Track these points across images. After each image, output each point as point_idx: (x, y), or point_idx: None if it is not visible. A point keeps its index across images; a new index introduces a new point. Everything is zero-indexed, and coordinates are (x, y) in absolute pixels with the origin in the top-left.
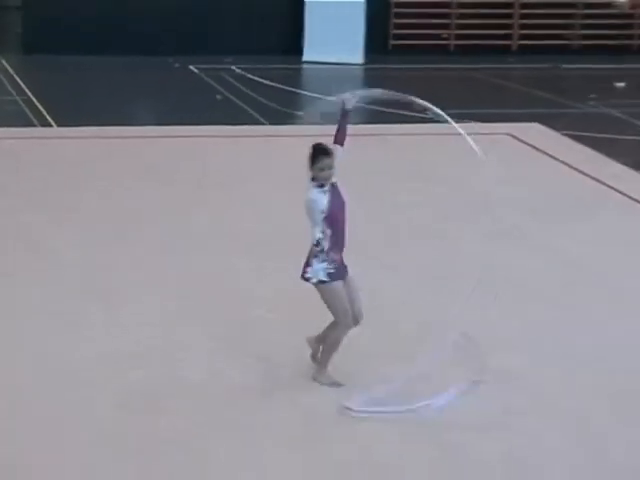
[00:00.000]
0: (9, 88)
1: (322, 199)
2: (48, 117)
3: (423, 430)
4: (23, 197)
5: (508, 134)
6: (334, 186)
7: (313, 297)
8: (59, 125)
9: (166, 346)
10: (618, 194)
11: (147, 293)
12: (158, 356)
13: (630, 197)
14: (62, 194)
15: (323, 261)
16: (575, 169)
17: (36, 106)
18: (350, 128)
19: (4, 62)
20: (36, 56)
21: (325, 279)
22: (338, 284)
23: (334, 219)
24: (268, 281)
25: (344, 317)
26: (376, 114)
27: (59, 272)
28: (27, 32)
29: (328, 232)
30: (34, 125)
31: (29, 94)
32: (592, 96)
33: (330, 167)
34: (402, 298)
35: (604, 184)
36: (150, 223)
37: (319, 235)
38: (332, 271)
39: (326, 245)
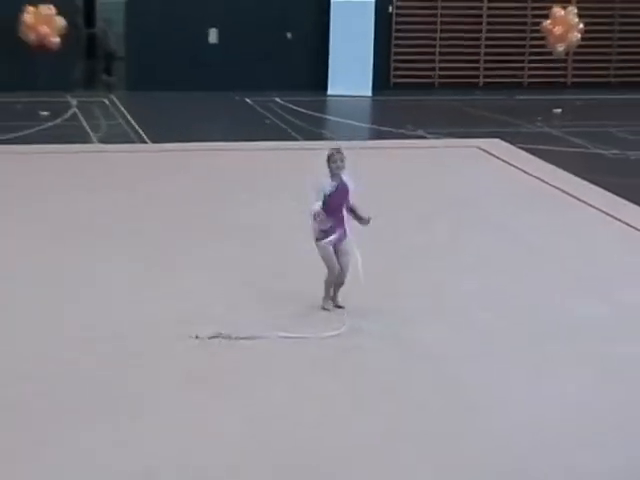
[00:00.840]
0: (117, 115)
1: (328, 185)
2: (144, 136)
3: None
4: (129, 190)
5: (477, 147)
6: (342, 181)
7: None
8: (152, 142)
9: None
10: (558, 191)
11: None
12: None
13: (567, 193)
14: (157, 188)
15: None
16: (527, 173)
17: (135, 128)
18: None
19: (113, 97)
20: (136, 92)
21: (317, 237)
22: (325, 243)
23: (333, 205)
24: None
25: (330, 271)
26: None
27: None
28: (129, 75)
29: (324, 213)
30: (134, 142)
31: (130, 120)
32: (538, 119)
33: (340, 160)
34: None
35: (548, 184)
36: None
37: (316, 208)
38: (320, 235)
39: (323, 216)
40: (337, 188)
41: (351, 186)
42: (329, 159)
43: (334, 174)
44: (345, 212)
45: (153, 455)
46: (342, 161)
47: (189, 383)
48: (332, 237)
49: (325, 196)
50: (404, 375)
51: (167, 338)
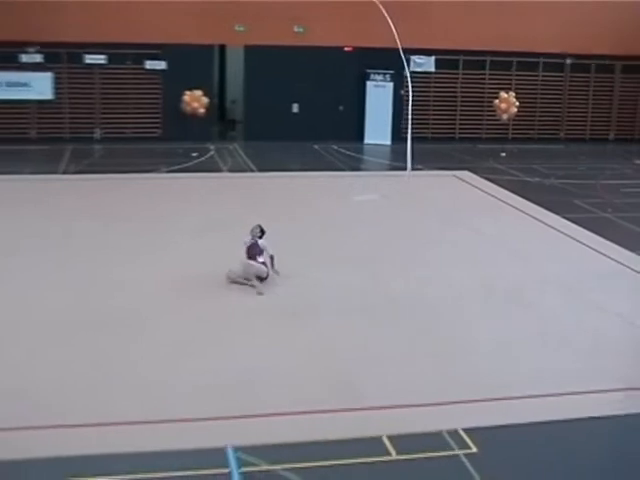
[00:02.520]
0: (237, 155)
1: (247, 241)
2: (253, 167)
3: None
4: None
5: (453, 175)
6: (256, 242)
7: None
8: (258, 170)
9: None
10: (501, 202)
11: None
12: None
13: (507, 203)
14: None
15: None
16: (483, 190)
17: (248, 163)
18: None
19: (236, 145)
20: (249, 142)
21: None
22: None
23: (250, 252)
24: None
25: (259, 272)
26: None
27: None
28: (245, 131)
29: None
30: (247, 170)
31: (245, 158)
32: (490, 159)
33: (259, 230)
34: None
35: (496, 197)
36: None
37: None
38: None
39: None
40: (251, 244)
41: (263, 245)
42: (251, 230)
43: (252, 237)
44: (262, 258)
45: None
46: (259, 231)
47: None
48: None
49: (245, 245)
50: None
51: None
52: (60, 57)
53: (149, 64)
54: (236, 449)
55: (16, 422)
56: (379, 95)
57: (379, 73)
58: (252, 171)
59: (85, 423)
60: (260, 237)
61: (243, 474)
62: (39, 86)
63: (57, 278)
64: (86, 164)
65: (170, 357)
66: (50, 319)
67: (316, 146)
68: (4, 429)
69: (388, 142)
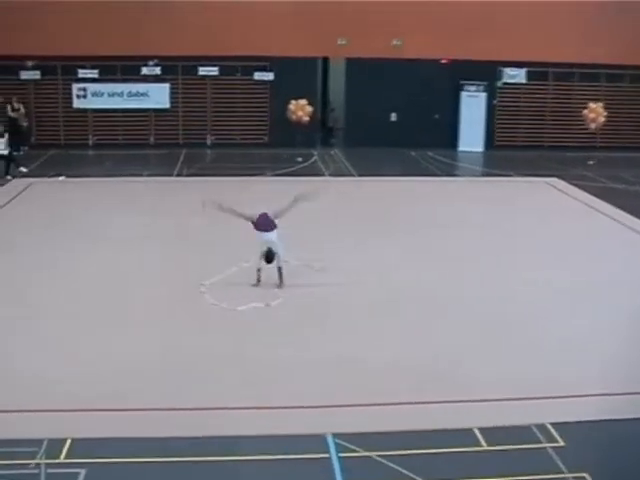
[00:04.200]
0: (338, 160)
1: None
2: (354, 172)
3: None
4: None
5: (544, 182)
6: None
7: None
8: (358, 175)
9: None
10: (598, 212)
11: None
12: None
13: (593, 207)
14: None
15: None
16: (571, 196)
17: (349, 168)
18: None
19: (337, 151)
20: (349, 148)
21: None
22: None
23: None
24: None
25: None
26: None
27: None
28: (346, 138)
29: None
30: (348, 175)
31: (346, 163)
32: (578, 167)
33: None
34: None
35: (590, 207)
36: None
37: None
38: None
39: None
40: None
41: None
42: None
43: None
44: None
45: None
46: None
47: None
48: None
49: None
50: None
51: None
52: (176, 69)
53: (258, 75)
54: (336, 436)
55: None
56: (472, 105)
57: (473, 84)
58: (352, 175)
59: (187, 407)
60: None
61: (342, 459)
62: (157, 96)
63: (172, 270)
64: (198, 167)
65: (268, 344)
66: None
67: (412, 153)
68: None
69: (481, 149)
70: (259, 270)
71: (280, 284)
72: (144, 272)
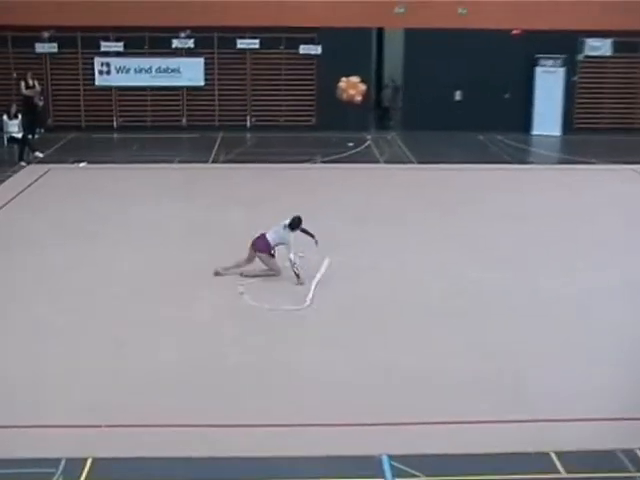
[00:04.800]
0: (395, 145)
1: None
2: (412, 158)
3: None
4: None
5: (632, 170)
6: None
7: None
8: (418, 162)
9: None
10: None
11: None
12: None
13: None
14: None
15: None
16: None
17: (407, 154)
18: None
19: (393, 134)
20: (407, 131)
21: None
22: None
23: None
24: None
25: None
26: None
27: None
28: (403, 119)
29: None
30: (406, 162)
31: (404, 148)
32: None
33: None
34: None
35: None
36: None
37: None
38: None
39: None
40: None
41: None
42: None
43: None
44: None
45: None
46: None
47: None
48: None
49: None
50: None
51: None
52: (212, 42)
53: (303, 49)
54: (392, 458)
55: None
56: (549, 82)
57: (549, 58)
58: (411, 163)
59: (223, 424)
60: (292, 228)
61: None
62: (190, 72)
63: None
64: (237, 153)
65: (315, 353)
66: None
67: (480, 136)
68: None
69: (558, 133)
70: (294, 265)
71: (298, 281)
72: (178, 270)
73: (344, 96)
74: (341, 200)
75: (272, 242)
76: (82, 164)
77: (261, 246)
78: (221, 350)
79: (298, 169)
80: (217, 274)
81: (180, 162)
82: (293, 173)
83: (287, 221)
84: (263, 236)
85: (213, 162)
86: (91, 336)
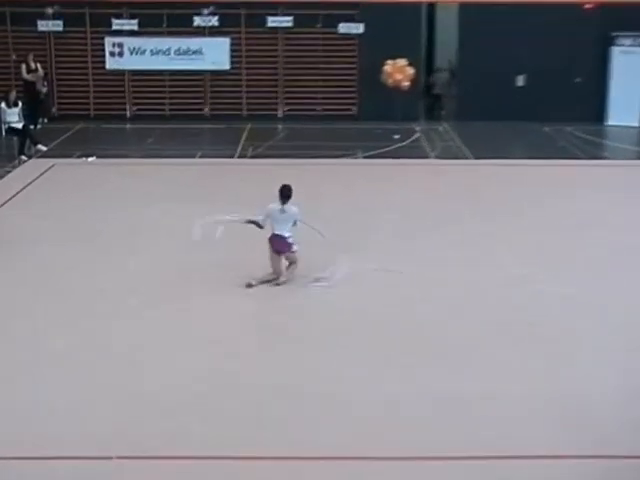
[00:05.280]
0: (448, 138)
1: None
2: (468, 153)
3: None
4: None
5: None
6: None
7: None
8: (475, 157)
9: None
10: None
11: None
12: None
13: None
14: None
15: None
16: None
17: (462, 148)
18: None
19: (446, 125)
20: (462, 122)
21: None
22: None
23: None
24: None
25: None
26: None
27: None
28: (458, 108)
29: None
30: (461, 157)
31: (458, 141)
32: None
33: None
34: None
35: None
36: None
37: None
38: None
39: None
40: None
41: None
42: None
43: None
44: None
45: None
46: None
47: None
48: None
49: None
50: None
51: None
52: (238, 19)
53: (343, 27)
54: None
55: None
56: (628, 64)
57: (628, 36)
58: (467, 158)
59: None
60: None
61: None
62: (214, 54)
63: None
64: (266, 147)
65: (364, 379)
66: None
67: (546, 128)
68: None
69: (637, 123)
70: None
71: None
72: (201, 281)
73: (390, 81)
74: (385, 202)
75: (288, 236)
76: (90, 159)
77: (283, 246)
78: (245, 368)
79: (336, 165)
80: (249, 286)
81: (202, 157)
82: (330, 170)
83: (277, 204)
84: (276, 236)
85: (239, 157)
86: (98, 354)
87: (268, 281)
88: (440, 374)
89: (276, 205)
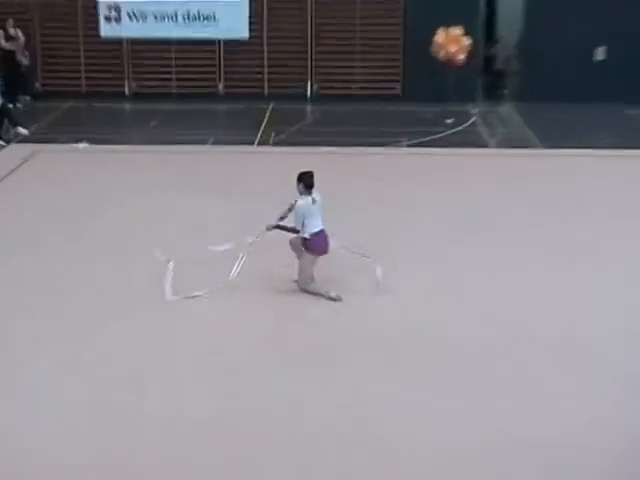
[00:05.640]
0: (511, 123)
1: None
2: (537, 141)
3: None
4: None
5: None
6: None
7: None
8: (544, 147)
9: None
10: None
11: None
12: None
13: None
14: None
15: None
16: None
17: (528, 135)
18: None
19: (509, 107)
20: (528, 103)
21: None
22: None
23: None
24: None
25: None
26: None
27: None
28: (522, 87)
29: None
30: (527, 147)
31: (525, 129)
32: None
33: (297, 187)
34: None
35: None
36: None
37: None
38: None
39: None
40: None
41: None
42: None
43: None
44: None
45: None
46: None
47: None
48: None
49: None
50: None
51: None
52: None
53: None
54: None
55: None
56: None
57: None
58: (534, 147)
59: None
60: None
61: None
62: (229, 20)
63: None
64: (292, 132)
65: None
66: None
67: (630, 111)
68: None
69: None
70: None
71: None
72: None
73: (442, 54)
74: (436, 200)
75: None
76: (81, 145)
77: (327, 244)
78: (266, 396)
79: (376, 156)
80: (304, 290)
81: (215, 144)
82: (370, 161)
83: (304, 198)
84: (321, 232)
85: (260, 144)
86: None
87: (320, 294)
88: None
89: (306, 199)
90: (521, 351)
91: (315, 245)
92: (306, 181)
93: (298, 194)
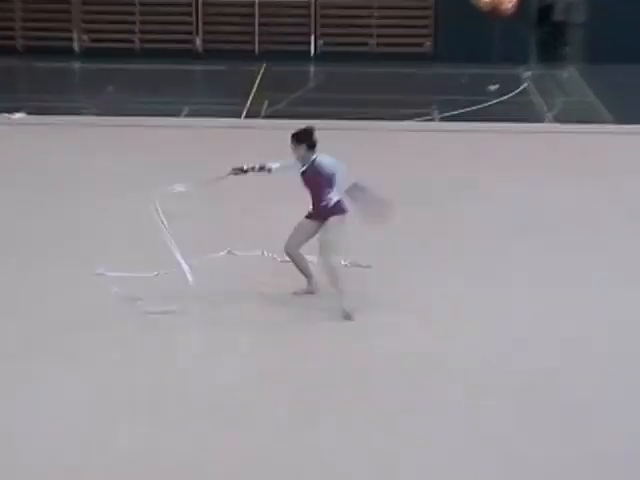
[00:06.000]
0: (583, 107)
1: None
2: (607, 114)
3: None
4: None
5: None
6: (313, 163)
7: None
8: (618, 122)
9: None
10: None
11: None
12: None
13: None
14: None
15: None
16: None
17: (596, 106)
18: None
19: (572, 70)
20: (597, 65)
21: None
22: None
23: (307, 186)
24: None
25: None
26: None
27: None
28: (590, 45)
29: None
30: (595, 122)
31: (593, 98)
32: None
33: (294, 151)
34: None
35: None
36: None
37: None
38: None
39: None
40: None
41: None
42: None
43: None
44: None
45: None
46: (295, 152)
47: None
48: None
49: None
50: None
51: None
52: None
53: None
54: None
55: None
56: None
57: None
58: (605, 122)
59: None
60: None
61: None
62: None
63: None
64: (291, 101)
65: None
66: None
67: None
68: None
69: None
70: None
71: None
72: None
73: (485, 2)
74: (477, 192)
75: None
76: (17, 115)
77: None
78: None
79: (399, 132)
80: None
81: (190, 115)
82: (390, 139)
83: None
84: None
85: (249, 116)
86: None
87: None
88: None
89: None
90: None
91: (345, 205)
92: (309, 142)
93: (297, 161)
